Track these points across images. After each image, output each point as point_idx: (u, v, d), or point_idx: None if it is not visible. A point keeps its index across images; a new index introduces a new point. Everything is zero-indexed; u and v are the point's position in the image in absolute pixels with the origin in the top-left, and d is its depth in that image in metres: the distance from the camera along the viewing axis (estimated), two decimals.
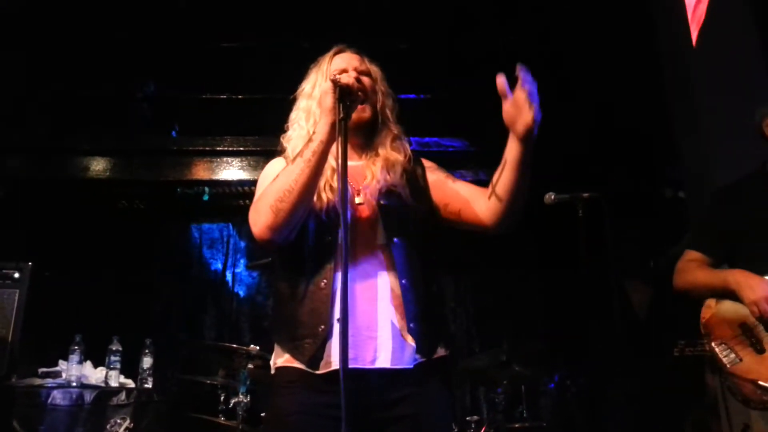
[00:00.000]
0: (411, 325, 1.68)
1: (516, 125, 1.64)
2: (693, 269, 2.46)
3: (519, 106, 1.62)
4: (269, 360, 1.82)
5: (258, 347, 3.56)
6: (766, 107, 2.51)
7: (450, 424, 1.94)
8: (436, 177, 1.90)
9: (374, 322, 1.67)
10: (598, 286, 3.08)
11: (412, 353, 1.68)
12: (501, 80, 1.66)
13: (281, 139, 1.94)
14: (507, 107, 1.65)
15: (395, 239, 1.74)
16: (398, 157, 1.86)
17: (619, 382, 4.45)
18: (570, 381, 4.70)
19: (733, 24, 3.67)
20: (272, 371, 1.79)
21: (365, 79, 1.88)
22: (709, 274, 2.42)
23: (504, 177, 1.72)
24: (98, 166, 5.28)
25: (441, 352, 1.76)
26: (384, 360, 1.65)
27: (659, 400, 4.14)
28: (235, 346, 3.70)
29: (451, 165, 5.22)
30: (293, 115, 1.94)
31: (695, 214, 3.80)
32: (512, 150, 1.68)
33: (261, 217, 1.68)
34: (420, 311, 1.70)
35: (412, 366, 1.67)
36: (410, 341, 1.68)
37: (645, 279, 5.22)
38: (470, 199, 1.82)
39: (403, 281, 1.71)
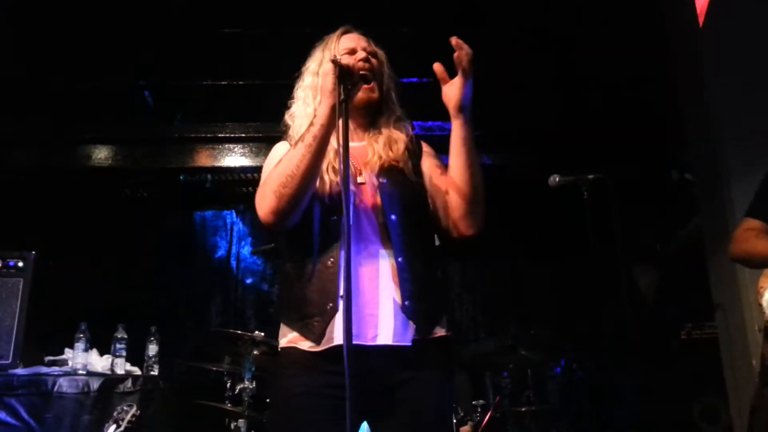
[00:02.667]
0: (406, 303, 1.69)
1: (450, 100, 1.74)
2: (752, 238, 2.39)
3: (454, 82, 1.74)
4: (275, 346, 1.82)
5: (263, 333, 3.56)
6: None
7: (450, 408, 1.95)
8: (429, 164, 1.90)
9: (376, 299, 1.67)
10: (605, 270, 3.06)
11: (413, 331, 1.69)
12: (439, 67, 1.73)
13: (285, 115, 1.93)
14: (445, 89, 1.75)
15: (392, 216, 1.74)
16: (401, 135, 1.87)
17: (627, 366, 4.44)
18: (577, 365, 4.69)
19: (740, 4, 3.61)
20: (278, 350, 1.80)
21: (374, 60, 1.87)
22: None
23: (453, 165, 1.76)
24: (101, 154, 5.27)
25: (440, 331, 1.76)
26: (385, 337, 1.65)
27: (667, 384, 4.13)
28: (240, 332, 3.70)
29: None
30: (298, 93, 1.92)
31: (703, 196, 3.77)
32: (453, 131, 1.76)
33: (265, 202, 1.69)
34: (416, 290, 1.71)
35: (411, 343, 1.67)
36: (408, 319, 1.68)
37: (652, 262, 5.19)
38: (447, 198, 1.81)
39: (399, 259, 1.71)
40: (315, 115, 1.69)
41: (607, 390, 4.76)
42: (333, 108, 1.64)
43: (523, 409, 3.98)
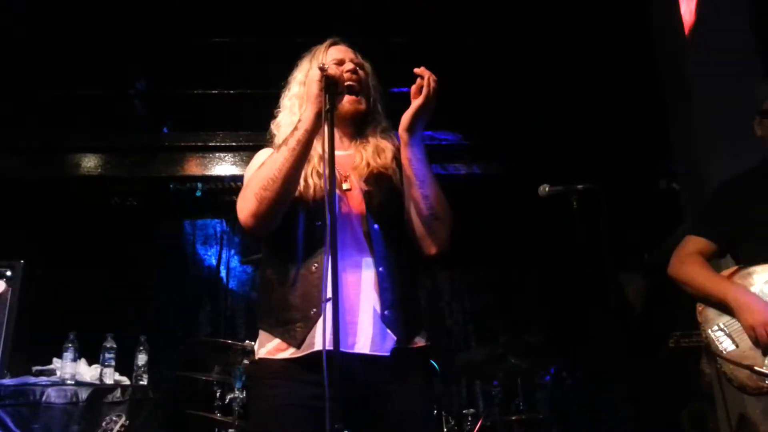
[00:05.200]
0: (386, 312, 1.70)
1: (403, 118, 1.76)
2: (693, 264, 2.38)
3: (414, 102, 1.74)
4: None
5: (253, 343, 3.54)
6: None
7: (432, 418, 1.96)
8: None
9: (356, 307, 1.68)
10: (593, 279, 3.08)
11: (392, 341, 1.69)
12: (415, 87, 1.74)
13: (271, 125, 1.94)
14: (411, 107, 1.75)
15: (375, 225, 1.75)
16: (388, 144, 1.88)
17: (615, 374, 4.46)
18: (566, 374, 4.71)
19: (726, 14, 3.67)
20: (255, 359, 1.79)
21: (361, 72, 1.89)
22: (708, 278, 2.33)
23: (406, 184, 1.77)
24: (90, 163, 5.25)
25: (420, 342, 1.77)
26: (363, 345, 1.66)
27: (655, 392, 4.15)
28: (230, 342, 3.70)
29: (445, 158, 5.27)
30: (285, 102, 1.94)
31: (691, 204, 3.80)
32: (401, 150, 1.79)
33: (246, 205, 1.70)
34: (396, 300, 1.72)
35: (389, 353, 1.68)
36: (387, 329, 1.69)
37: (640, 271, 5.23)
38: (410, 216, 1.81)
39: (380, 269, 1.72)
40: (299, 120, 1.71)
41: (596, 397, 4.77)
42: (317, 114, 1.65)
43: (513, 418, 3.99)
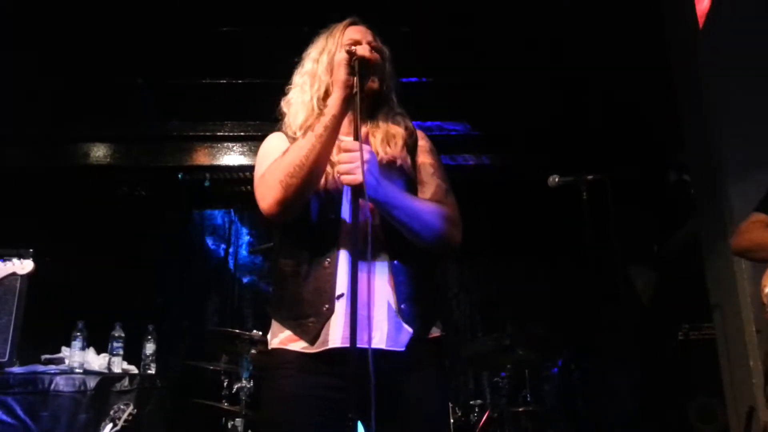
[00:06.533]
0: (402, 306, 1.67)
1: None
2: (759, 229, 2.39)
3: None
4: None
5: (261, 332, 3.56)
6: None
7: (446, 408, 1.94)
8: (419, 163, 1.86)
9: (371, 302, 1.64)
10: (602, 271, 3.06)
11: (407, 335, 1.67)
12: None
13: (281, 103, 1.90)
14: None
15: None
16: (399, 130, 1.83)
17: (623, 366, 4.44)
18: (574, 365, 4.69)
19: (740, 7, 3.62)
20: (268, 349, 1.77)
21: (376, 54, 1.83)
22: None
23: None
24: (99, 152, 5.27)
25: (435, 332, 1.75)
26: (379, 341, 1.63)
27: (663, 385, 4.13)
28: (237, 331, 3.70)
29: (454, 149, 5.24)
30: (296, 79, 1.89)
31: (701, 197, 3.77)
32: None
33: (270, 192, 1.65)
34: (412, 293, 1.69)
35: (405, 348, 1.66)
36: (404, 322, 1.67)
37: (649, 263, 5.20)
38: None
39: (395, 261, 1.70)
40: (325, 105, 1.67)
41: (604, 390, 4.76)
42: (345, 99, 1.62)
43: (521, 409, 3.98)
